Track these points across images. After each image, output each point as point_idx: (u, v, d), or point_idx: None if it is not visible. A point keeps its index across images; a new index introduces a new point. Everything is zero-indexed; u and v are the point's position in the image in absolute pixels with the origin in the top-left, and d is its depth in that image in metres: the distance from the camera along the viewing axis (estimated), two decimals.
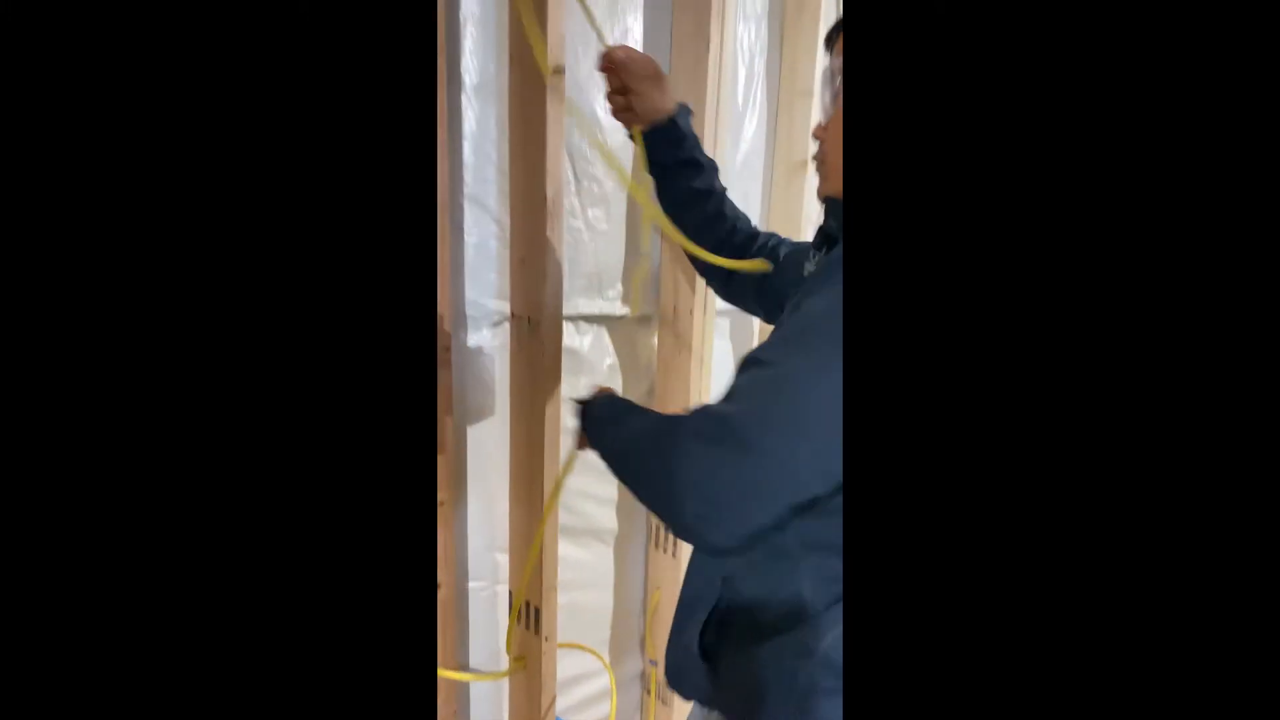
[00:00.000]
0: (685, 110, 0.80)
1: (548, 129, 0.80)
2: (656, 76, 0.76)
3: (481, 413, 0.93)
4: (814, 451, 0.45)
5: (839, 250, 0.57)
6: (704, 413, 0.49)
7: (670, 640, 0.67)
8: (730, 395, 0.49)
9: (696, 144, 0.81)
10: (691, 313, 1.11)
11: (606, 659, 1.18)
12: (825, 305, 0.48)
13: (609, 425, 0.61)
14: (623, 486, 0.58)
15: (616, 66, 0.75)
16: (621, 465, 0.57)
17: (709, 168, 0.82)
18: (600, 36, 0.84)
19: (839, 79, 0.58)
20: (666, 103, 0.77)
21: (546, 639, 0.94)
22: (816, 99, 1.23)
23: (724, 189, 0.85)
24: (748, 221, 0.85)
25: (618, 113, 0.80)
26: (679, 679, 0.66)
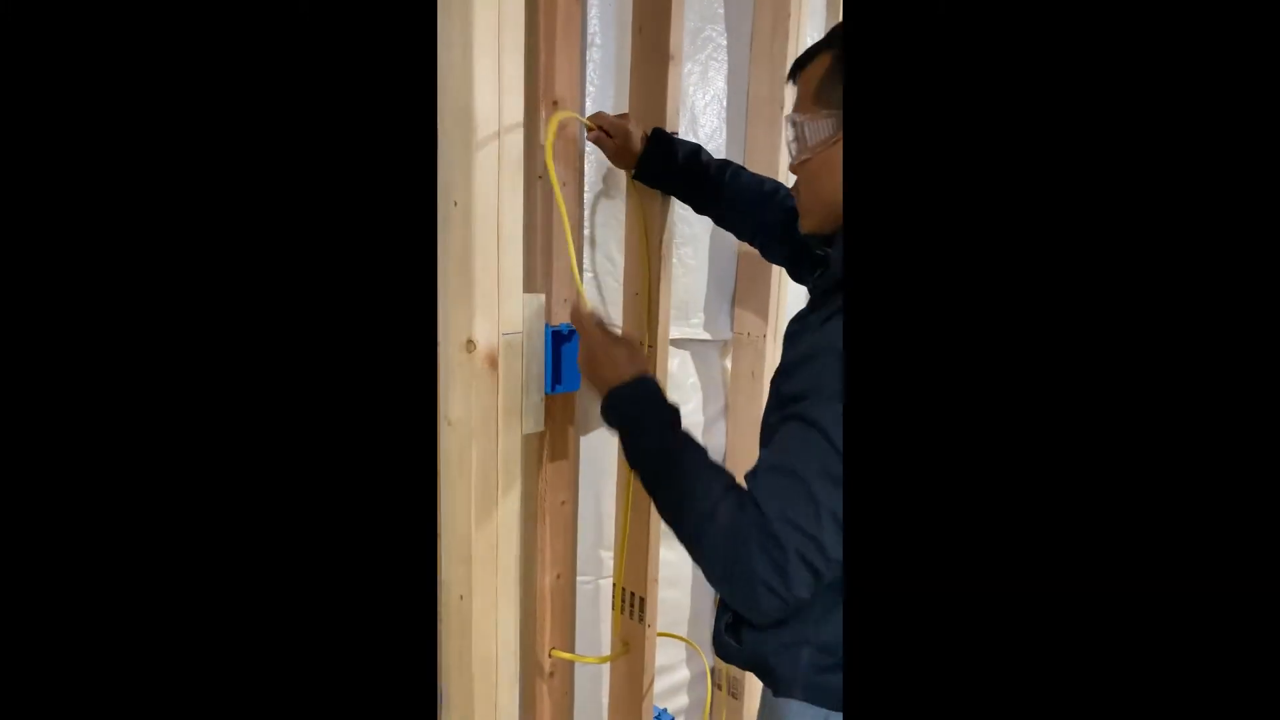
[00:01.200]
0: (655, 135, 0.90)
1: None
2: (624, 129, 0.89)
3: (593, 424, 1.06)
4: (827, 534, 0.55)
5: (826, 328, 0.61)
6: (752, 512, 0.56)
7: (715, 621, 0.78)
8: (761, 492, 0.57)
9: (674, 153, 0.90)
10: (764, 337, 1.25)
11: (686, 652, 1.30)
12: (814, 418, 0.55)
13: (650, 436, 0.67)
14: None
15: (595, 130, 0.90)
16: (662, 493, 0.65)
17: (700, 165, 0.91)
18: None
19: (796, 117, 0.65)
20: (635, 144, 0.90)
21: (649, 626, 1.06)
22: None
23: (722, 165, 0.92)
24: (757, 179, 0.92)
25: (615, 161, 0.94)
26: (721, 651, 0.77)
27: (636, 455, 0.68)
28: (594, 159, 0.99)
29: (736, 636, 0.72)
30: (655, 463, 0.66)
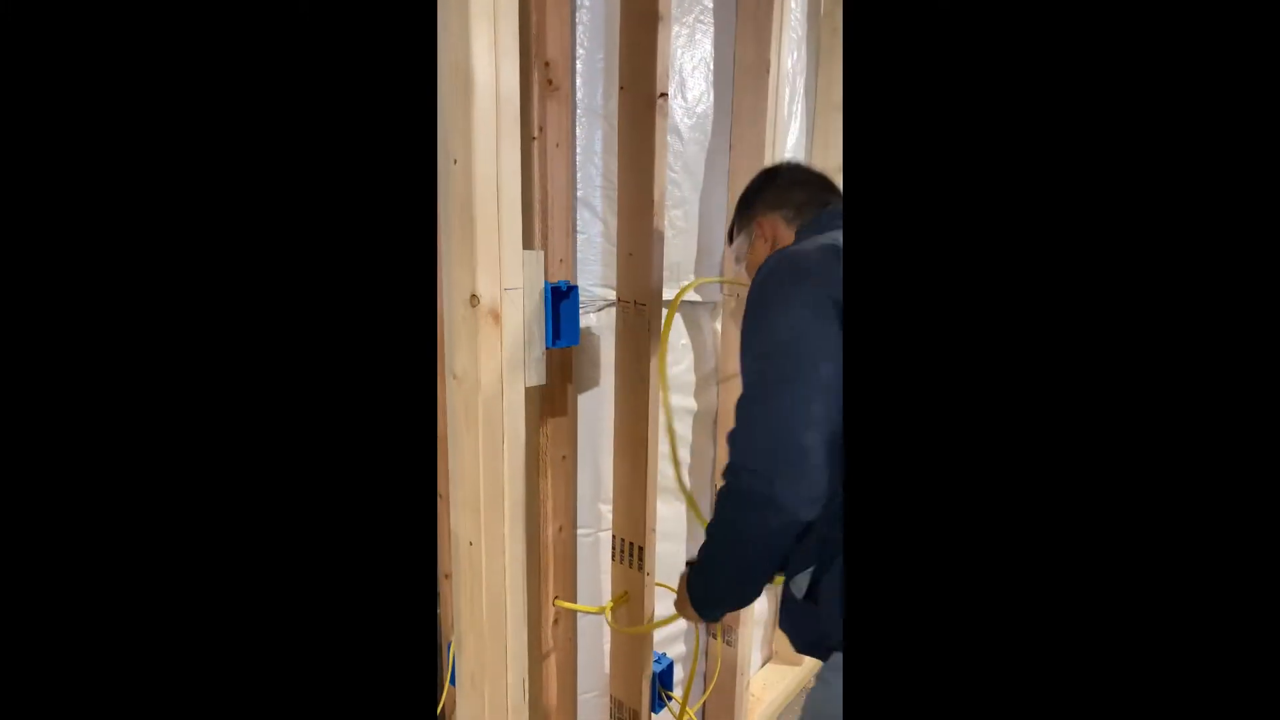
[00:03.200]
0: None
1: (655, 142, 0.97)
2: None
3: (589, 383, 1.10)
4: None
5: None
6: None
7: (782, 602, 0.81)
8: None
9: None
10: None
11: None
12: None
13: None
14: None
15: None
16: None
17: None
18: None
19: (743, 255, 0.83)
20: None
21: (647, 574, 1.10)
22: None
23: None
24: None
25: None
26: (791, 624, 0.79)
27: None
28: (584, 120, 1.01)
29: (814, 596, 0.73)
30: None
